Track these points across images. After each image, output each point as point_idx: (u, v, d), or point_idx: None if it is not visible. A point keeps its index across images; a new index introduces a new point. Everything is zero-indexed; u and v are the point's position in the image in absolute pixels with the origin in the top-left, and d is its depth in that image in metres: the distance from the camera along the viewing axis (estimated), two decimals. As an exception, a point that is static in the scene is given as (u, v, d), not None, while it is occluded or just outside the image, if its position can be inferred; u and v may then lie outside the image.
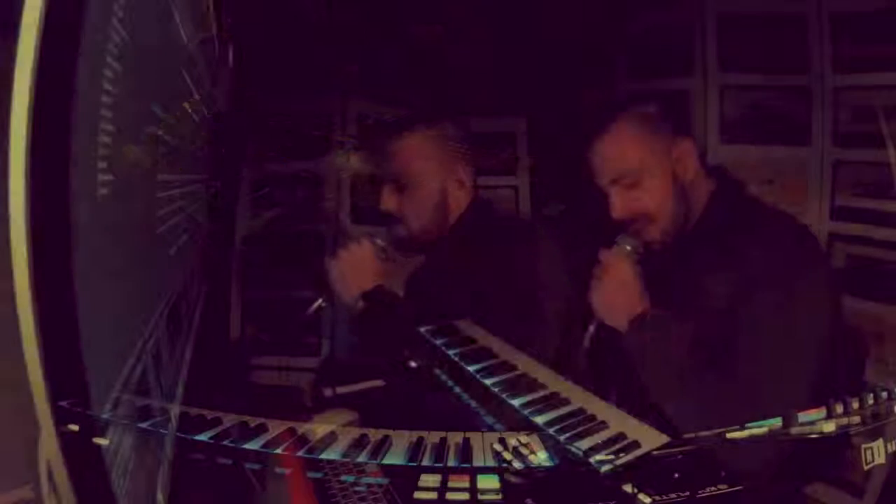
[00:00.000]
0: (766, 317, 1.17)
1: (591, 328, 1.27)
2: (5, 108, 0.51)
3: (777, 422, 0.86)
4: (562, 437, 0.94)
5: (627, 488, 0.83)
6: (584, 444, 0.92)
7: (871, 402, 0.88)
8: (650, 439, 0.93)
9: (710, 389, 1.16)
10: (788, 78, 2.12)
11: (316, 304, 1.54)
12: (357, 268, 1.47)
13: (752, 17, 2.18)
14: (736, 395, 1.15)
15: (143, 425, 0.81)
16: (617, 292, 1.24)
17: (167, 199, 1.11)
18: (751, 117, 2.17)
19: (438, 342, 1.27)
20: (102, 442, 0.62)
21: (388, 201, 1.55)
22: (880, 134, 1.94)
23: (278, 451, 0.97)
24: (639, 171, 1.28)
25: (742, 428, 0.87)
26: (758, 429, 0.86)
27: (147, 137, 0.92)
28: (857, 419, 0.87)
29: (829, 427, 0.86)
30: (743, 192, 1.37)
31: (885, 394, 0.89)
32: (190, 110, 1.41)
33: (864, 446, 0.90)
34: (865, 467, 0.90)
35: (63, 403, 0.56)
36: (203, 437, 0.96)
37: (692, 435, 0.89)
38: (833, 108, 2.06)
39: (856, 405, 0.87)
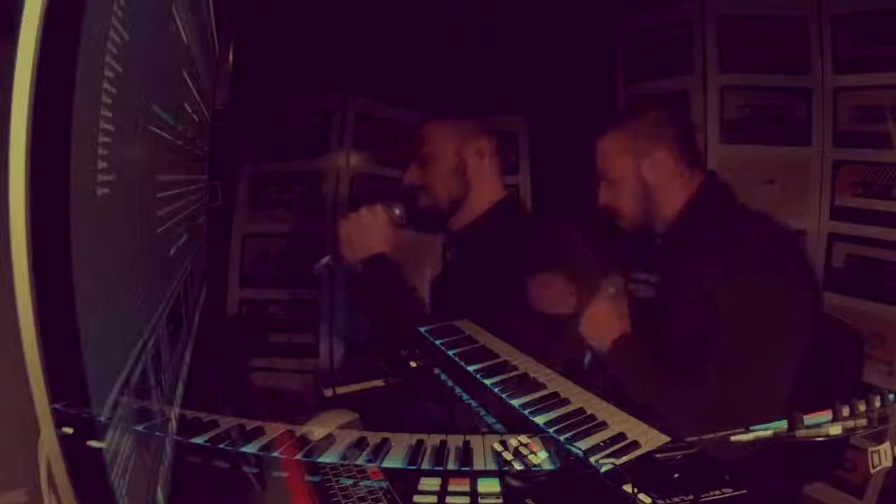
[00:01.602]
0: (734, 314, 1.28)
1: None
2: (5, 107, 0.51)
3: (782, 424, 0.85)
4: (562, 438, 0.93)
5: (627, 489, 0.82)
6: (584, 444, 0.92)
7: (877, 404, 0.88)
8: (650, 439, 0.93)
9: (689, 397, 1.29)
10: (788, 78, 2.13)
11: (324, 261, 1.57)
12: (365, 232, 1.52)
13: (753, 17, 2.18)
14: (713, 398, 1.27)
15: (143, 427, 0.81)
16: (598, 323, 1.44)
17: (167, 199, 1.11)
18: (751, 117, 2.17)
19: (438, 342, 1.26)
20: (102, 444, 0.62)
21: (412, 175, 1.64)
22: (880, 134, 1.94)
23: (276, 453, 0.96)
24: (614, 177, 1.51)
25: (746, 431, 0.87)
26: (763, 432, 0.86)
27: (147, 137, 0.92)
28: (863, 422, 0.87)
29: (836, 430, 0.86)
30: (723, 195, 1.48)
31: (891, 396, 0.89)
32: (190, 110, 1.41)
33: (870, 449, 0.89)
34: (872, 471, 0.89)
35: (62, 404, 0.56)
36: (200, 439, 0.95)
37: (695, 438, 0.89)
38: (833, 108, 2.06)
39: (862, 408, 0.87)
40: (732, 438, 0.86)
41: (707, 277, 1.34)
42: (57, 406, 0.55)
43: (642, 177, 1.48)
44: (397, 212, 1.58)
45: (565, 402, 1.04)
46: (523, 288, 1.44)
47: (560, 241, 1.54)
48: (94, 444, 0.61)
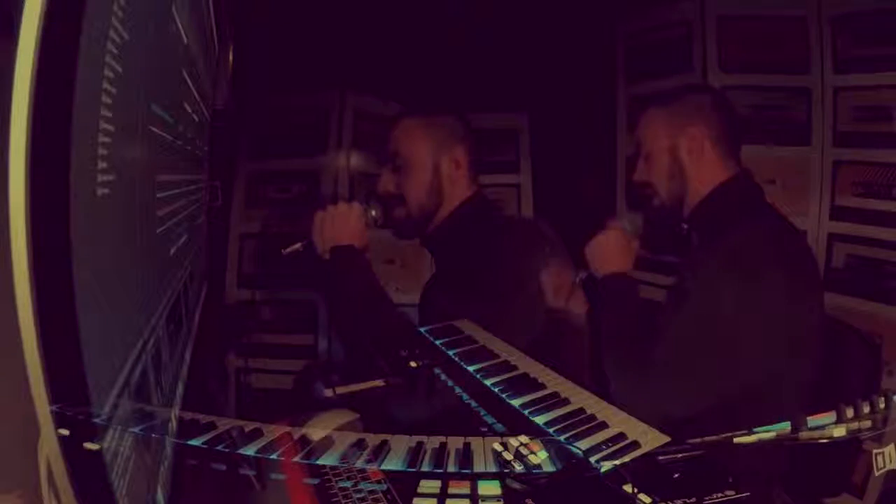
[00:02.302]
0: (719, 307, 1.32)
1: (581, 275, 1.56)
2: (5, 108, 0.51)
3: (786, 426, 0.85)
4: (562, 437, 0.93)
5: (627, 489, 0.82)
6: (584, 444, 0.92)
7: (882, 406, 0.87)
8: (651, 440, 0.93)
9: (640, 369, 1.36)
10: (788, 78, 2.12)
11: (293, 247, 1.58)
12: (337, 222, 1.54)
13: (753, 17, 2.18)
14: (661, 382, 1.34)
15: (143, 427, 0.81)
16: (602, 250, 1.53)
17: (167, 199, 1.11)
18: (751, 117, 2.17)
19: (438, 342, 1.26)
20: (101, 445, 0.62)
21: (387, 182, 1.62)
22: (880, 134, 1.94)
23: (274, 456, 0.96)
24: (650, 151, 1.54)
25: (750, 432, 0.87)
26: (766, 433, 0.85)
27: (147, 137, 0.92)
28: (867, 423, 0.86)
29: (840, 431, 0.85)
30: (751, 191, 1.49)
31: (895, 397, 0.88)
32: (190, 110, 1.41)
33: (875, 451, 0.89)
34: (876, 473, 0.89)
35: (62, 405, 0.56)
36: (197, 441, 0.95)
37: (698, 440, 0.89)
38: (833, 108, 2.06)
39: (867, 409, 0.87)
40: (735, 440, 0.86)
41: (709, 267, 1.37)
42: (57, 407, 0.55)
43: (677, 154, 1.50)
44: (374, 213, 1.59)
45: (565, 402, 1.04)
46: (495, 285, 1.45)
47: (540, 240, 1.56)
48: (91, 445, 0.61)
